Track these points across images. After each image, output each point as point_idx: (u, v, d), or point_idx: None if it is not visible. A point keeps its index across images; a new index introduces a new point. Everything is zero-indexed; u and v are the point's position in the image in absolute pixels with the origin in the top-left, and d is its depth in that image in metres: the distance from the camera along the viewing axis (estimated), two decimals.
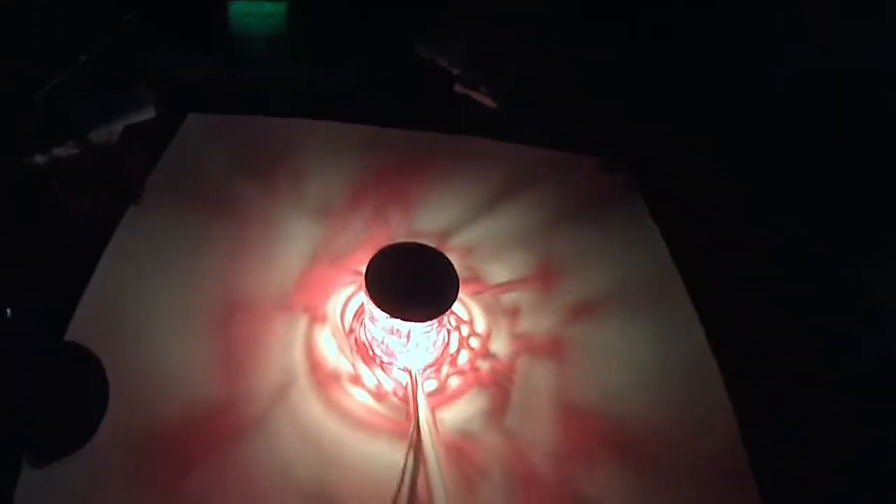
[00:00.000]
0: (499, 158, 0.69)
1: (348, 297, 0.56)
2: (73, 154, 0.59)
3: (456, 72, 0.81)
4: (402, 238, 0.60)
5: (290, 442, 0.47)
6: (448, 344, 0.55)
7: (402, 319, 0.48)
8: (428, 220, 0.63)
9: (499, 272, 0.61)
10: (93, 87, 0.64)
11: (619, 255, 0.63)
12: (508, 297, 0.59)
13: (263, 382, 0.50)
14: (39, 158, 0.58)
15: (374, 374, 0.52)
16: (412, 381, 0.51)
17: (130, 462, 0.44)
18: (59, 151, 0.59)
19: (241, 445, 0.46)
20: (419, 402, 0.50)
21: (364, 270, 0.49)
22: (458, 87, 0.80)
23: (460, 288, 0.51)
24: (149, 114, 0.65)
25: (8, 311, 0.47)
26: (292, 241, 0.59)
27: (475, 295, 0.58)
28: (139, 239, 0.56)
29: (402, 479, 0.46)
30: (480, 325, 0.57)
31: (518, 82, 0.80)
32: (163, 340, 0.50)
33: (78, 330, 0.49)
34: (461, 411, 0.51)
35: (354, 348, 0.53)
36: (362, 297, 0.55)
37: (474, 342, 0.55)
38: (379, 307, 0.48)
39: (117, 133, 0.62)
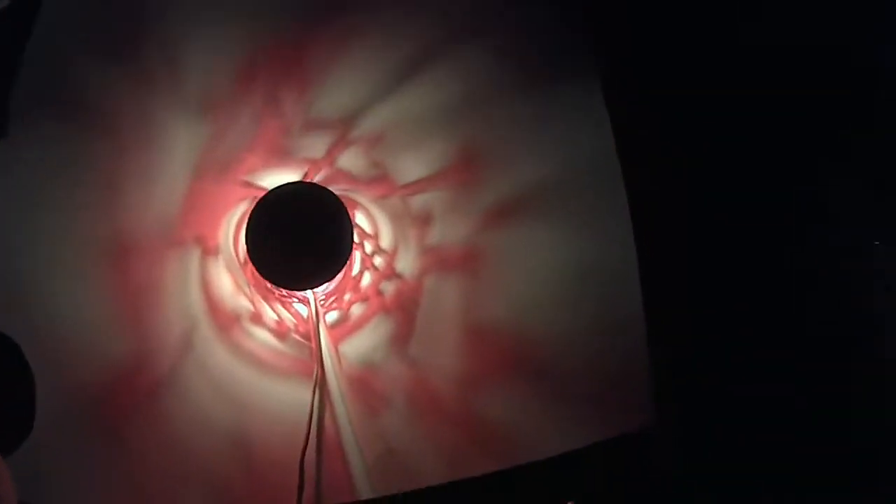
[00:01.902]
0: (414, 10, 0.54)
1: (240, 218, 0.52)
2: None
3: None
4: (296, 132, 0.53)
5: (202, 392, 0.49)
6: (351, 266, 0.52)
7: (291, 289, 0.45)
8: (327, 102, 0.53)
9: (411, 167, 0.53)
10: None
11: (556, 141, 0.53)
12: (420, 200, 0.53)
13: (167, 333, 0.50)
14: None
15: (275, 310, 0.51)
16: (312, 316, 0.50)
17: (64, 434, 0.48)
18: None
19: (159, 402, 0.49)
20: (321, 337, 0.50)
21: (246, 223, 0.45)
22: None
23: (365, 190, 0.48)
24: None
25: None
26: (173, 151, 0.52)
27: (382, 199, 0.53)
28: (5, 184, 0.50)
29: (310, 419, 0.49)
30: (386, 238, 0.53)
31: None
32: (57, 302, 0.49)
33: None
34: (364, 341, 0.52)
35: (252, 282, 0.51)
36: None
37: (378, 261, 0.53)
38: (267, 279, 0.45)
39: None
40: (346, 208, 0.46)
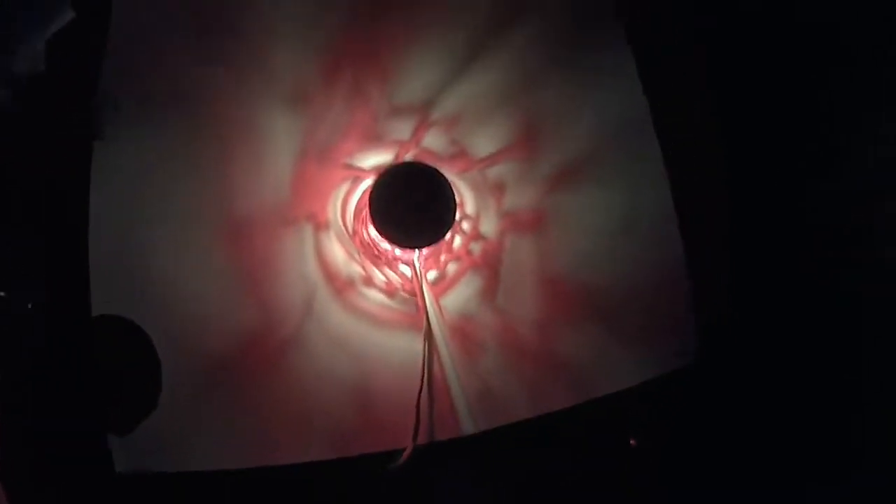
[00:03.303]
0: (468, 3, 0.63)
1: (345, 195, 0.59)
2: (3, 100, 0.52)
3: None
4: (384, 116, 0.60)
5: (325, 350, 0.57)
6: None
7: (408, 247, 0.53)
8: (408, 90, 0.61)
9: (484, 143, 0.62)
10: None
11: (599, 108, 0.62)
12: (494, 172, 0.62)
13: (290, 300, 0.57)
14: None
15: (383, 273, 0.59)
16: (416, 275, 0.58)
17: (194, 400, 0.54)
18: None
19: (285, 360, 0.56)
20: (425, 293, 0.58)
21: (368, 197, 0.52)
22: None
23: (448, 166, 0.57)
24: (67, 17, 0.54)
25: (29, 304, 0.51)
26: (275, 139, 0.59)
27: (463, 173, 0.61)
28: (116, 179, 0.55)
29: (423, 364, 0.57)
30: (470, 206, 0.61)
31: None
32: (180, 281, 0.55)
33: (100, 299, 0.53)
34: (459, 295, 0.60)
35: (361, 250, 0.58)
36: (359, 195, 0.59)
37: (466, 225, 0.61)
38: (387, 240, 0.53)
39: (42, 57, 0.53)
40: (449, 183, 0.54)
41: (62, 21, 0.55)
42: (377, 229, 0.52)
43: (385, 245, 0.57)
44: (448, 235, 0.60)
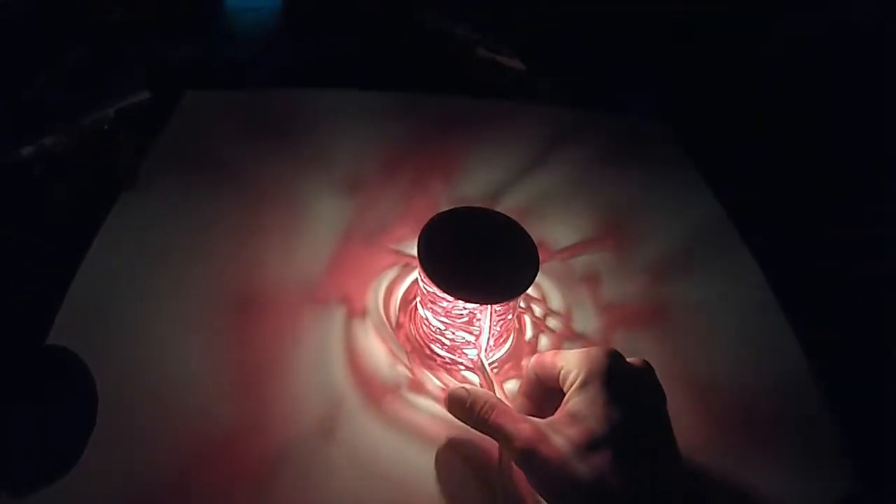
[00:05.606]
0: (534, 120, 0.61)
1: (391, 282, 0.45)
2: (62, 143, 0.50)
3: (476, 36, 0.71)
4: (445, 206, 0.49)
5: (346, 471, 0.36)
6: (522, 331, 0.44)
7: (472, 302, 0.37)
8: (472, 185, 0.54)
9: (562, 234, 0.51)
10: (81, 75, 0.56)
11: (675, 211, 0.55)
12: (581, 262, 0.48)
13: (298, 397, 0.38)
14: (26, 150, 0.49)
15: (439, 378, 0.41)
16: (488, 381, 0.40)
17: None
18: (47, 141, 0.49)
19: (279, 478, 0.35)
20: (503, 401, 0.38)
21: (416, 245, 0.38)
22: (481, 51, 0.70)
23: None
24: (141, 96, 0.55)
25: None
26: (319, 218, 0.49)
27: (542, 263, 0.47)
28: (135, 227, 0.47)
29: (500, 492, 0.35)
30: (556, 300, 0.46)
31: (535, 45, 0.72)
32: (166, 343, 0.40)
33: (62, 332, 0.39)
34: None
35: (407, 348, 0.42)
36: (407, 283, 0.45)
37: (553, 323, 0.44)
38: (444, 290, 0.36)
39: (108, 118, 0.52)
40: (521, 226, 0.41)
41: (136, 98, 0.54)
42: (430, 274, 0.36)
43: (440, 320, 0.40)
44: (529, 335, 0.44)
